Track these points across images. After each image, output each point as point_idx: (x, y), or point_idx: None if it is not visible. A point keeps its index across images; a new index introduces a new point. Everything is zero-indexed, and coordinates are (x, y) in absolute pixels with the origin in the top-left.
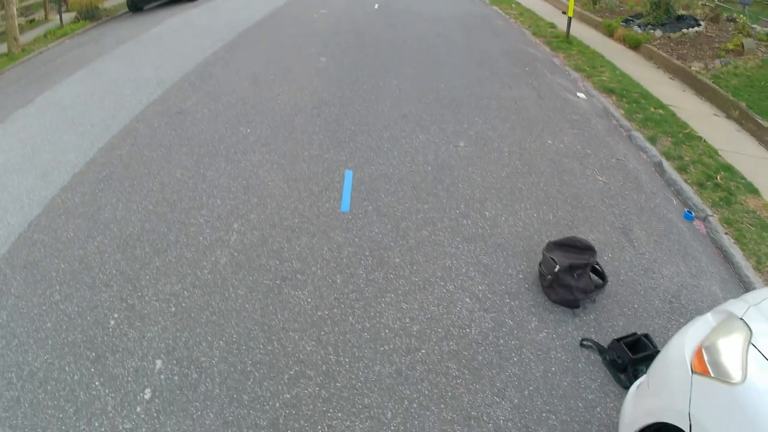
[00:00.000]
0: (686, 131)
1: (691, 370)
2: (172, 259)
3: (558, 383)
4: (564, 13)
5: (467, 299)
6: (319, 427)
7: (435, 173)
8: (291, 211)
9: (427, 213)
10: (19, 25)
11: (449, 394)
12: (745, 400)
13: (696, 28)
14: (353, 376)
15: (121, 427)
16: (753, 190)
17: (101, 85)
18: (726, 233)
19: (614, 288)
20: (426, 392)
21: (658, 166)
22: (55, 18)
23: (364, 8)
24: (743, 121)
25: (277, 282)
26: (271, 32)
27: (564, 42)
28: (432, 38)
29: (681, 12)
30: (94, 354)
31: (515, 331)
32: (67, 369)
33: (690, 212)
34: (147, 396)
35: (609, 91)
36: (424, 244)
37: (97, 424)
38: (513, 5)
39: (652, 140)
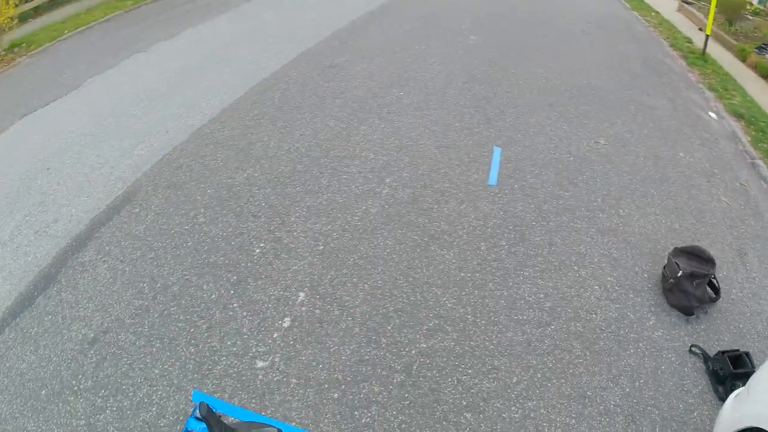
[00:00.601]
0: None
1: None
2: (324, 201)
3: (665, 381)
4: (701, 30)
5: (596, 287)
6: (450, 380)
7: (576, 164)
8: (441, 175)
9: (567, 200)
10: None
11: (570, 371)
12: None
13: None
14: (486, 338)
15: (255, 350)
16: None
17: (248, 29)
18: None
19: (725, 304)
20: (550, 365)
21: None
22: None
23: None
24: None
25: (425, 239)
26: (421, 1)
27: (699, 59)
28: (576, 34)
29: None
30: (235, 277)
31: (635, 325)
32: (205, 287)
33: None
34: (286, 324)
35: (738, 116)
36: (562, 228)
37: (229, 343)
38: (653, 13)
39: None
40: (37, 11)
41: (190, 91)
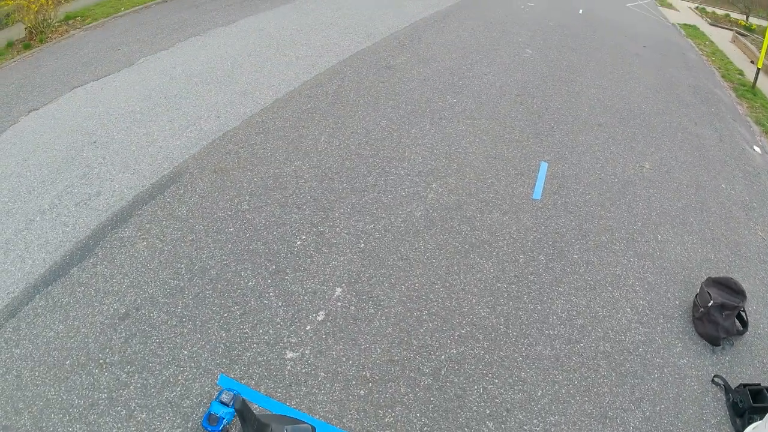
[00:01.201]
0: None
1: None
2: (369, 200)
3: (685, 409)
4: (753, 62)
5: (628, 309)
6: (476, 387)
7: (619, 186)
8: (487, 185)
9: (608, 221)
10: None
11: (594, 390)
12: None
13: None
14: (516, 350)
15: (286, 340)
16: None
17: (307, 23)
18: None
19: (751, 338)
20: (576, 382)
21: None
22: None
23: (568, 12)
24: None
25: (466, 246)
26: (480, 12)
27: (749, 92)
28: (629, 56)
29: None
30: (274, 267)
31: (662, 351)
32: (242, 274)
33: None
34: (320, 317)
35: None
36: (601, 248)
37: (261, 331)
38: (707, 42)
39: None
40: None
41: (245, 78)
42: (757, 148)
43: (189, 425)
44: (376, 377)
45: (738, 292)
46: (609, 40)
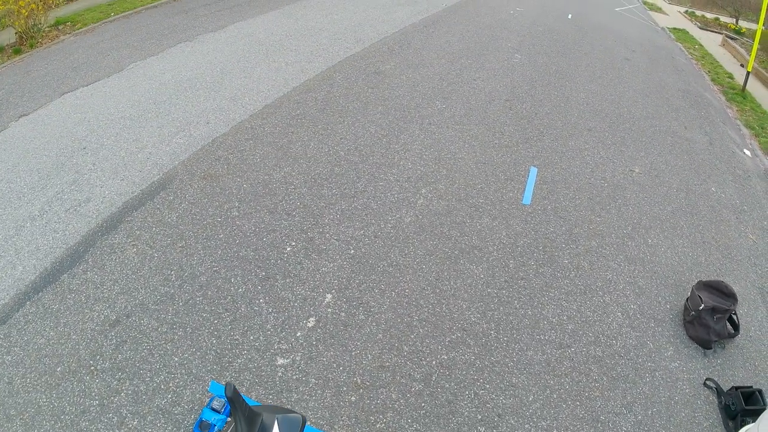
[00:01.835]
0: None
1: None
2: (359, 206)
3: (677, 412)
4: (743, 66)
5: (619, 313)
6: (467, 393)
7: (610, 190)
8: (477, 190)
9: (598, 225)
10: None
11: (586, 394)
12: None
13: None
14: (507, 355)
15: (276, 347)
16: None
17: (297, 28)
18: None
19: (743, 341)
20: (567, 386)
21: None
22: None
23: (558, 17)
24: None
25: (455, 252)
26: (468, 17)
27: (739, 95)
28: (619, 60)
29: None
30: (264, 273)
31: (653, 354)
32: (233, 281)
33: None
34: (310, 324)
35: None
36: (591, 253)
37: (252, 337)
38: (696, 46)
39: None
40: None
41: (234, 84)
42: (746, 151)
43: None
44: (367, 383)
45: (729, 295)
46: (598, 44)
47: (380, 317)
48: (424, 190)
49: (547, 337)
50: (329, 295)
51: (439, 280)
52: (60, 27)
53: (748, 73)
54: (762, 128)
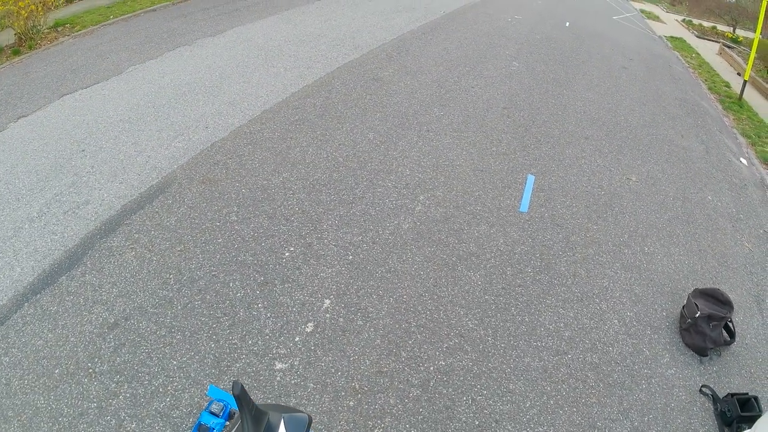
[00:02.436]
0: None
1: None
2: (357, 212)
3: (673, 419)
4: (739, 74)
5: (615, 321)
6: (465, 398)
7: (606, 199)
8: (475, 198)
9: (595, 233)
10: None
11: (583, 400)
12: None
13: None
14: (504, 361)
15: (275, 351)
16: None
17: (296, 34)
18: None
19: (738, 348)
20: (564, 393)
21: None
22: None
23: (555, 25)
24: None
25: (453, 259)
26: (467, 25)
27: (735, 104)
28: (616, 69)
29: None
30: (262, 278)
31: (649, 361)
32: (231, 285)
33: None
34: (308, 329)
35: None
36: (588, 260)
37: (250, 342)
38: (693, 54)
39: None
40: None
41: (233, 89)
42: (743, 160)
43: None
44: (365, 388)
45: (725, 302)
46: (596, 52)
47: (378, 323)
48: (422, 197)
49: (544, 344)
50: (328, 301)
51: (437, 287)
52: (59, 29)
53: (744, 81)
54: (758, 137)
